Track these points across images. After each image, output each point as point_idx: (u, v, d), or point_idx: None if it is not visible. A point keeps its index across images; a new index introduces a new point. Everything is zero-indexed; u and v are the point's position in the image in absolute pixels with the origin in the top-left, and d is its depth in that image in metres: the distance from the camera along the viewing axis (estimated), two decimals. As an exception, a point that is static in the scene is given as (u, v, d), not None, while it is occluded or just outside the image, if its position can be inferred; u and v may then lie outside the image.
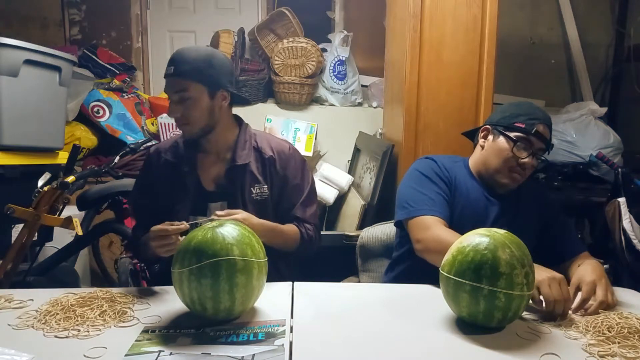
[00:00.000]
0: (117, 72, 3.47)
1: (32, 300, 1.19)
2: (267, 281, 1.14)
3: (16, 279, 1.85)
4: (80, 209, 2.34)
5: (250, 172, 1.48)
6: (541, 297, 1.13)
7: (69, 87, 2.37)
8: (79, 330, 1.02)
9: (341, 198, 2.75)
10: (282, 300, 1.21)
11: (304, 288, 1.29)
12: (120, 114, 3.16)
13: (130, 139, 3.09)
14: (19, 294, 1.23)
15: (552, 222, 1.49)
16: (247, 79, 3.16)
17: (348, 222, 2.50)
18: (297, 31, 3.28)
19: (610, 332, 1.03)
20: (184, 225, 1.25)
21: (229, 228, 1.09)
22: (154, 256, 1.31)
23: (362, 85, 3.36)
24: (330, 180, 2.73)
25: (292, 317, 1.11)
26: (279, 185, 1.52)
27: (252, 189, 1.48)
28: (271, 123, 3.15)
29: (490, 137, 1.45)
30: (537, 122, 1.38)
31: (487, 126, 1.47)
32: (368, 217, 2.30)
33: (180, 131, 1.49)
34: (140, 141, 2.22)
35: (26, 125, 2.09)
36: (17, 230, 1.89)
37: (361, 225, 2.28)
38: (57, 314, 1.08)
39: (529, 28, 3.45)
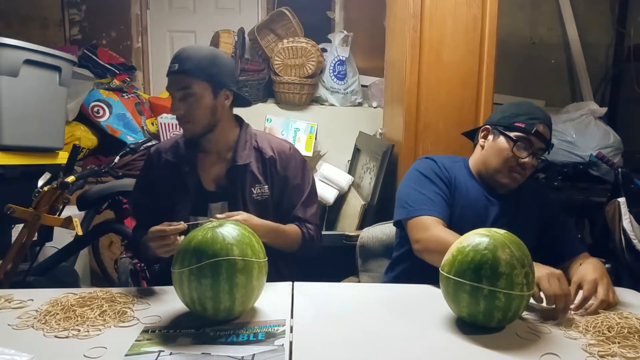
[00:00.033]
0: (117, 72, 3.47)
1: (32, 300, 1.19)
2: (267, 281, 1.14)
3: (16, 279, 1.85)
4: (80, 209, 2.34)
5: (251, 172, 1.48)
6: (542, 294, 1.13)
7: (69, 87, 2.37)
8: (79, 330, 1.02)
9: (341, 198, 2.75)
10: (282, 300, 1.21)
11: (304, 288, 1.29)
12: (120, 114, 3.16)
13: (130, 139, 3.09)
14: (19, 294, 1.23)
15: (552, 222, 1.49)
16: (247, 79, 3.16)
17: (348, 222, 2.50)
18: (297, 31, 3.28)
19: (610, 332, 1.03)
20: (182, 225, 1.25)
21: (229, 228, 1.09)
22: (154, 257, 1.31)
23: (362, 85, 3.36)
24: (330, 180, 2.73)
25: (292, 317, 1.11)
26: (280, 185, 1.52)
27: (252, 189, 1.48)
28: (271, 123, 3.15)
29: (490, 137, 1.45)
30: (537, 122, 1.38)
31: (487, 126, 1.47)
32: (368, 217, 2.30)
33: (182, 130, 1.49)
34: (140, 141, 2.22)
35: (26, 125, 2.09)
36: (17, 230, 1.89)
37: (361, 225, 2.28)
38: (57, 314, 1.08)
39: (529, 28, 3.45)
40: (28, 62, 2.06)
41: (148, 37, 3.74)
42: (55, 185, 1.76)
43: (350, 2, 3.59)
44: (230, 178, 1.49)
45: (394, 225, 1.55)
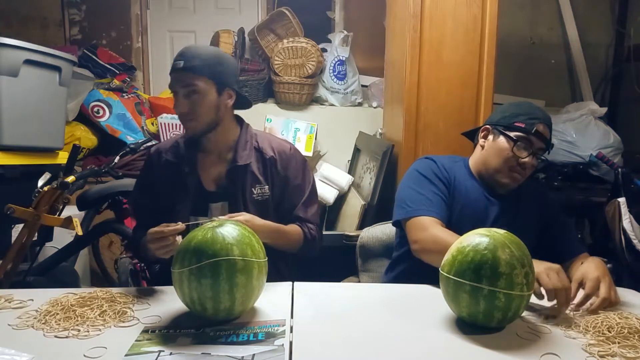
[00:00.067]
0: (117, 72, 3.47)
1: (32, 300, 1.19)
2: (267, 281, 1.14)
3: (16, 279, 1.85)
4: (80, 209, 2.34)
5: (251, 172, 1.48)
6: (542, 290, 1.13)
7: (69, 87, 2.37)
8: (79, 330, 1.02)
9: (341, 198, 2.75)
10: (282, 300, 1.21)
11: (304, 288, 1.29)
12: (120, 114, 3.16)
13: (130, 139, 3.09)
14: (19, 294, 1.23)
15: (552, 222, 1.49)
16: (247, 79, 3.16)
17: (348, 222, 2.50)
18: (297, 31, 3.28)
19: (610, 332, 1.03)
20: (180, 226, 1.25)
21: (229, 228, 1.09)
22: (154, 257, 1.31)
23: (362, 85, 3.36)
24: (330, 180, 2.73)
25: (292, 317, 1.11)
26: (280, 185, 1.52)
27: (253, 189, 1.48)
28: (271, 123, 3.15)
29: (490, 137, 1.45)
30: (537, 122, 1.38)
31: (487, 126, 1.47)
32: (368, 217, 2.30)
33: (183, 129, 1.49)
34: (140, 141, 2.22)
35: (26, 125, 2.09)
36: (17, 230, 1.89)
37: (361, 225, 2.28)
38: (57, 314, 1.08)
39: (529, 28, 3.45)
40: (28, 62, 2.06)
41: (148, 37, 3.73)
42: (55, 185, 1.76)
43: (350, 2, 3.59)
44: (230, 178, 1.48)
45: (393, 225, 1.55)
